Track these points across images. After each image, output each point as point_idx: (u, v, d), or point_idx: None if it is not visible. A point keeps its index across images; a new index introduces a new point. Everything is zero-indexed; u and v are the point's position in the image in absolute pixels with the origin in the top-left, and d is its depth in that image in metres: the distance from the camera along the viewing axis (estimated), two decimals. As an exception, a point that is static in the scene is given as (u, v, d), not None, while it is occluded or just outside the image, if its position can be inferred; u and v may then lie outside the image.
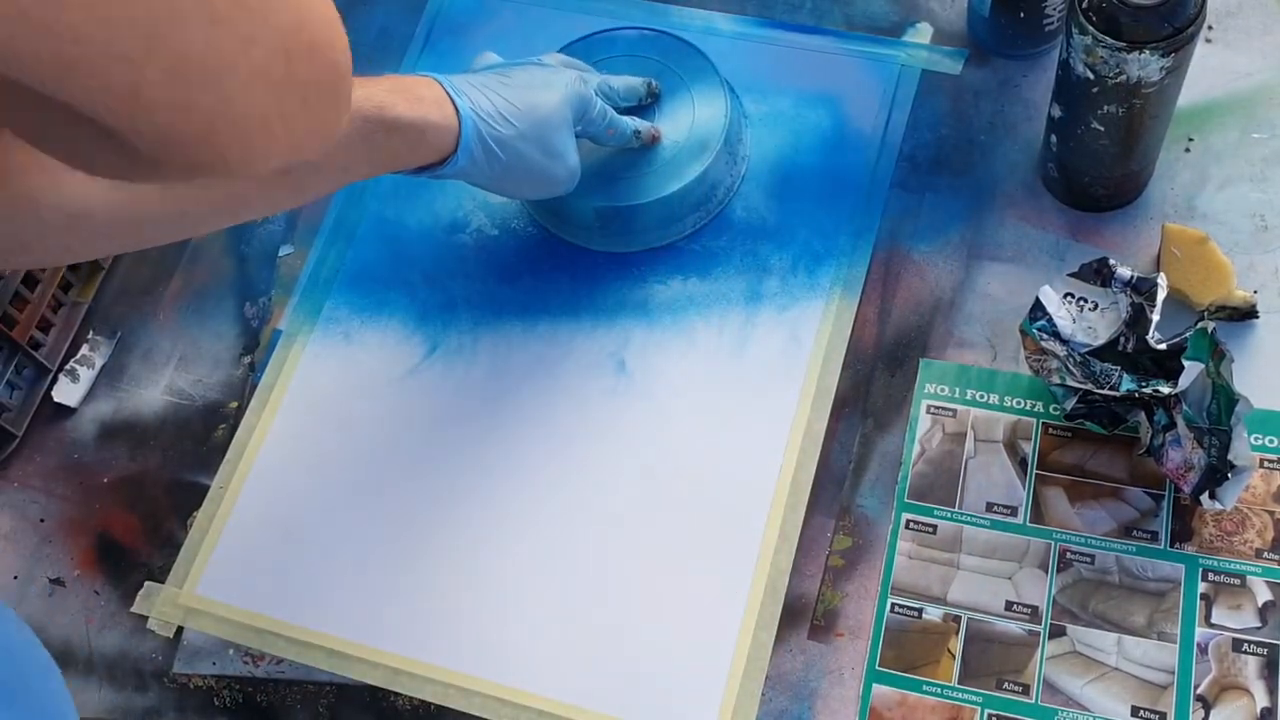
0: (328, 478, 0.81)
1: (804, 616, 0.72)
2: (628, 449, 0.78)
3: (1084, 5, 0.66)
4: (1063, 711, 0.67)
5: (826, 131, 0.86)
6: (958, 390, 0.76)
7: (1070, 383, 0.70)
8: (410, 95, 0.67)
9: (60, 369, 0.88)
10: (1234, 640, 0.67)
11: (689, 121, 0.83)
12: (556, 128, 0.74)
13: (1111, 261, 0.69)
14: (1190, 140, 0.81)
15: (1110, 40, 0.66)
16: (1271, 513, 0.70)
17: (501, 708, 0.72)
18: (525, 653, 0.74)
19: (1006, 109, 0.85)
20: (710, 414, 0.79)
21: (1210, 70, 0.82)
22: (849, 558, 0.73)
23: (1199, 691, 0.66)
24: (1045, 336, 0.71)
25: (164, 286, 0.91)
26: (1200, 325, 0.67)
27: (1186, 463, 0.67)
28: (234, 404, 0.85)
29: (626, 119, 0.80)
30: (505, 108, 0.71)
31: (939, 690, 0.69)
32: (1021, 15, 0.82)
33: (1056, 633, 0.69)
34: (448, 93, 0.69)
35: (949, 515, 0.73)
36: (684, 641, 0.73)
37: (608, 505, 0.77)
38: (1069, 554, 0.71)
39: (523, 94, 0.73)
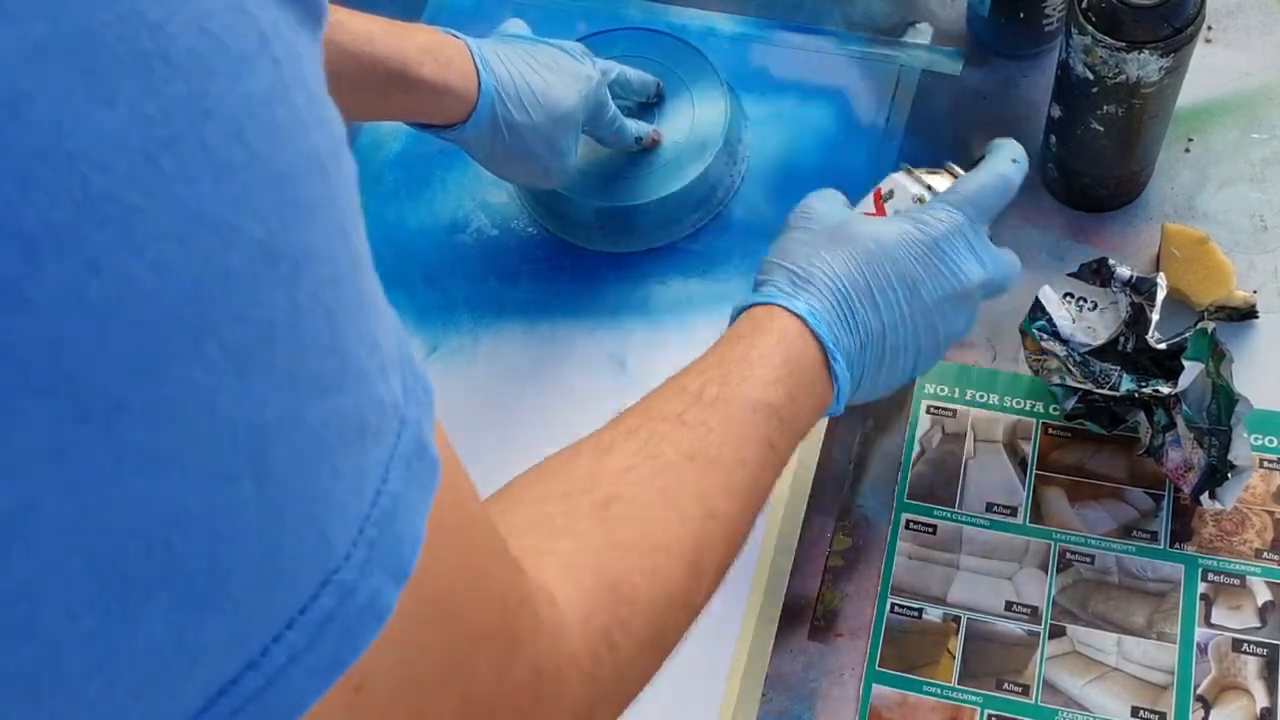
0: (328, 478, 0.81)
1: (804, 617, 0.72)
2: (628, 449, 0.78)
3: (1083, 5, 0.67)
4: (1063, 712, 0.67)
5: (826, 132, 0.86)
6: (958, 390, 0.76)
7: (1070, 383, 0.70)
8: (440, 59, 0.67)
9: (61, 369, 0.88)
10: (1234, 640, 0.67)
11: (689, 122, 0.83)
12: (568, 129, 0.74)
13: (1111, 261, 0.69)
14: (1190, 140, 0.81)
15: (1109, 40, 0.66)
16: (1271, 513, 0.70)
17: (501, 708, 0.72)
18: (525, 653, 0.74)
19: (1006, 109, 0.85)
20: (710, 414, 0.78)
21: (1210, 70, 0.82)
22: (849, 558, 0.73)
23: (1199, 692, 0.66)
24: (1045, 336, 0.71)
25: (164, 287, 0.90)
26: (1200, 325, 0.67)
27: (1186, 463, 0.67)
28: (234, 404, 0.85)
29: (631, 123, 0.80)
30: (526, 95, 0.71)
31: (939, 690, 0.69)
32: (1021, 15, 0.82)
33: (1056, 633, 0.69)
34: (476, 65, 0.69)
35: (949, 515, 0.73)
36: (683, 642, 0.73)
37: (608, 505, 0.77)
38: (1069, 554, 0.70)
39: (546, 85, 0.72)
